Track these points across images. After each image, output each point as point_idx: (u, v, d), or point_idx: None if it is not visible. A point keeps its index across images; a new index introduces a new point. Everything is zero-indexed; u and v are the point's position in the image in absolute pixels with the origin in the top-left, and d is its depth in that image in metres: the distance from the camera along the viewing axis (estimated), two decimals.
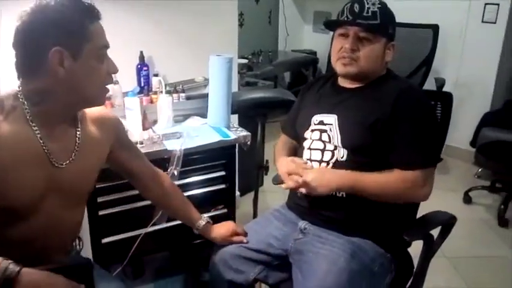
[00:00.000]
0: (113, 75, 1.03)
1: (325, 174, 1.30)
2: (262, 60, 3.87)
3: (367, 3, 1.29)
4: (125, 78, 1.92)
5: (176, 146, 1.56)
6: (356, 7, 1.29)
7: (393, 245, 1.31)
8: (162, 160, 1.55)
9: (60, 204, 1.02)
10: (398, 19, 1.37)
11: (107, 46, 0.99)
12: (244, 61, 3.36)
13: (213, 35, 2.27)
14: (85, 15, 0.92)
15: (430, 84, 3.11)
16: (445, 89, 2.95)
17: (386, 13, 1.31)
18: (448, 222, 1.37)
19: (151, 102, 1.87)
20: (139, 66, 1.98)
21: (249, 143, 1.71)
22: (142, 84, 1.98)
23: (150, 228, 1.60)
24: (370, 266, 1.26)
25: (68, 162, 1.01)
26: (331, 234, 1.32)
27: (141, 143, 1.56)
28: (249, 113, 1.95)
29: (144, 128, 1.68)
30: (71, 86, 0.95)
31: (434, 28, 3.22)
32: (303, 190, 1.28)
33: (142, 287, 1.91)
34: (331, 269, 1.22)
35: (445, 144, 1.51)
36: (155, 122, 1.74)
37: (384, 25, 1.30)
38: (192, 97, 1.92)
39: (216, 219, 1.49)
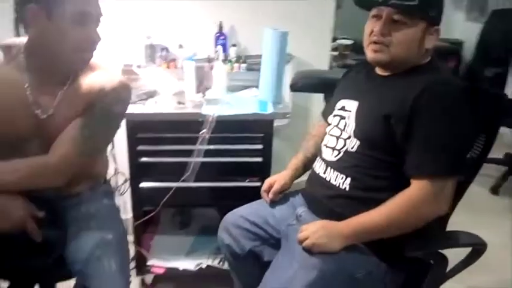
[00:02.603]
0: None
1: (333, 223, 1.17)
2: None
3: None
4: (204, 45, 2.06)
5: (211, 112, 1.63)
6: None
7: (392, 255, 1.15)
8: (194, 123, 1.63)
9: (42, 150, 1.15)
10: None
11: (86, 12, 1.06)
12: (348, 42, 3.19)
13: (305, 13, 2.21)
14: None
15: None
16: None
17: None
18: (475, 246, 1.15)
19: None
20: (217, 35, 2.08)
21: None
22: (220, 52, 2.07)
23: (193, 184, 1.71)
24: (351, 270, 1.15)
25: (48, 114, 1.15)
26: None
27: (182, 103, 1.67)
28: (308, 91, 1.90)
29: (197, 91, 1.79)
30: (47, 43, 1.07)
31: None
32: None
33: (184, 237, 2.06)
34: (304, 263, 1.15)
35: None
36: (209, 87, 1.83)
37: (423, 6, 1.12)
38: (254, 69, 1.94)
39: (249, 191, 1.53)
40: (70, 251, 1.21)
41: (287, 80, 1.92)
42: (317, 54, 2.34)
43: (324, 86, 1.85)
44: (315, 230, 1.15)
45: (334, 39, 3.29)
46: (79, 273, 1.19)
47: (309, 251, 1.14)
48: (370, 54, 1.21)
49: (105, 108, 1.20)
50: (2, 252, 1.09)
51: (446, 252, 1.15)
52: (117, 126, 1.30)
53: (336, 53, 3.07)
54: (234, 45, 2.09)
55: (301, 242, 1.16)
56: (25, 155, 1.15)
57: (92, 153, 1.23)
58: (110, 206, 1.41)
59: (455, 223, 1.27)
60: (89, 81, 1.20)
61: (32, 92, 1.14)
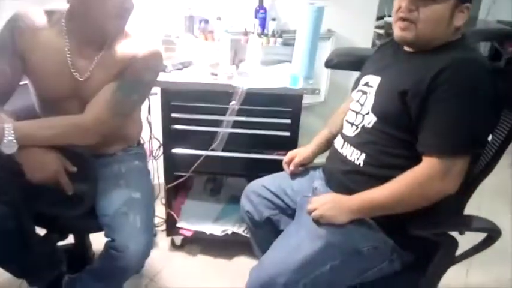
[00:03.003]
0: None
1: (341, 197, 1.20)
2: None
3: None
4: (243, 18, 2.09)
5: (241, 84, 1.67)
6: None
7: (400, 233, 1.16)
8: (226, 94, 1.68)
9: (78, 110, 1.26)
10: None
11: None
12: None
13: None
14: None
15: None
16: None
17: None
18: (489, 232, 1.13)
19: None
20: (257, 8, 2.09)
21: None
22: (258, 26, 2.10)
23: (222, 153, 1.79)
24: (357, 243, 1.17)
25: (86, 76, 1.25)
26: None
27: (215, 74, 1.72)
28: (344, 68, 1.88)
29: (232, 63, 1.84)
30: (85, 10, 1.16)
31: None
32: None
33: (214, 204, 2.15)
34: (311, 233, 1.19)
35: None
36: (243, 60, 1.87)
37: None
38: (290, 44, 1.94)
39: (276, 163, 1.58)
40: (100, 205, 1.31)
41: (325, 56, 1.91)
42: (360, 32, 2.30)
43: (361, 64, 1.82)
44: (324, 202, 1.18)
45: (382, 17, 3.19)
46: (107, 226, 1.29)
47: (317, 221, 1.17)
48: (396, 32, 1.19)
49: (136, 74, 1.28)
50: (37, 201, 1.21)
51: (463, 238, 1.14)
52: (148, 91, 1.38)
53: (381, 31, 2.97)
54: (273, 19, 2.09)
55: (310, 212, 1.19)
56: (63, 114, 1.26)
57: (123, 115, 1.32)
58: (141, 167, 1.50)
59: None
60: (123, 48, 1.28)
61: (71, 56, 1.23)
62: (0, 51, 1.23)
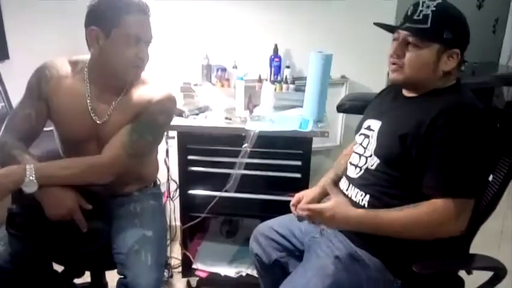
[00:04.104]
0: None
1: (344, 207, 1.20)
2: (462, 71, 3.45)
3: (422, 6, 1.17)
4: (258, 66, 2.20)
5: (253, 127, 1.75)
6: (410, 10, 1.20)
7: (407, 273, 1.16)
8: (239, 137, 1.76)
9: (98, 151, 1.35)
10: None
11: (138, 36, 1.25)
12: None
13: (362, 38, 2.26)
14: (122, 8, 1.22)
15: None
16: None
17: (441, 16, 1.15)
18: (495, 271, 1.13)
19: None
20: (272, 57, 2.20)
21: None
22: (272, 73, 2.20)
23: (236, 195, 1.85)
24: (364, 284, 1.18)
25: (104, 120, 1.35)
26: (342, 241, 1.29)
27: (229, 118, 1.81)
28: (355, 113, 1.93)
29: (246, 108, 1.93)
30: (105, 60, 1.28)
31: None
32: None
33: (229, 246, 2.18)
34: (317, 274, 1.20)
35: None
36: (257, 105, 1.96)
37: (435, 29, 1.14)
38: (302, 90, 2.02)
39: (288, 205, 1.62)
40: (115, 243, 1.36)
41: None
42: (373, 77, 2.37)
43: None
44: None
45: None
46: (120, 263, 1.33)
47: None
48: (390, 74, 1.27)
49: (150, 117, 1.37)
50: (54, 237, 1.29)
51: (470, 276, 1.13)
52: (162, 133, 1.46)
53: None
54: (287, 66, 2.20)
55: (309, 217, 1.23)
56: (83, 155, 1.35)
57: (139, 156, 1.39)
58: (155, 207, 1.56)
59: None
60: (140, 93, 1.38)
61: (91, 101, 1.35)
62: (27, 97, 1.36)
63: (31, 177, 1.18)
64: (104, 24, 1.24)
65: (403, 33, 1.19)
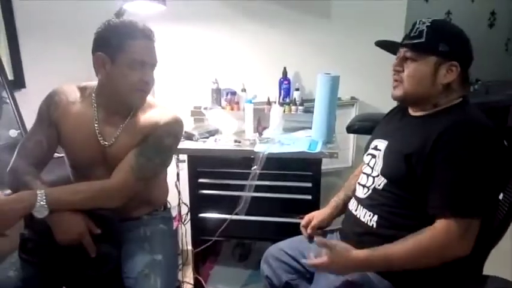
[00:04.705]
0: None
1: (342, 258, 1.17)
2: (476, 90, 3.45)
3: (418, 23, 1.21)
4: (268, 88, 2.23)
5: (262, 149, 1.75)
6: (409, 29, 1.23)
7: None
8: (249, 159, 1.77)
9: (106, 174, 1.36)
10: None
11: (143, 61, 1.29)
12: None
13: (370, 60, 2.27)
14: (128, 33, 1.27)
15: None
16: None
17: (436, 30, 1.18)
18: None
19: None
20: (281, 80, 2.23)
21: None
22: (282, 96, 2.22)
23: (246, 217, 1.84)
24: None
25: (111, 142, 1.37)
26: None
27: (238, 141, 1.83)
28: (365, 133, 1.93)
29: (255, 130, 1.95)
30: (111, 84, 1.31)
31: None
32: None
33: (241, 270, 2.16)
34: None
35: None
36: (266, 127, 1.97)
37: (431, 42, 1.17)
38: (311, 112, 2.03)
39: (298, 227, 1.61)
40: (125, 267, 1.37)
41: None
42: (382, 98, 2.35)
43: None
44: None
45: None
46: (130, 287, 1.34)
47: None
48: (391, 90, 1.28)
49: (157, 140, 1.39)
50: (65, 263, 1.30)
51: None
52: (169, 156, 1.48)
53: None
54: (297, 89, 2.22)
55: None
56: (93, 179, 1.37)
57: (147, 179, 1.40)
58: (165, 231, 1.56)
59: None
60: (147, 116, 1.41)
61: (99, 124, 1.38)
62: (38, 123, 1.40)
63: (42, 202, 1.20)
64: (110, 49, 1.27)
65: (402, 50, 1.23)
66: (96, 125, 1.37)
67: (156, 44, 1.34)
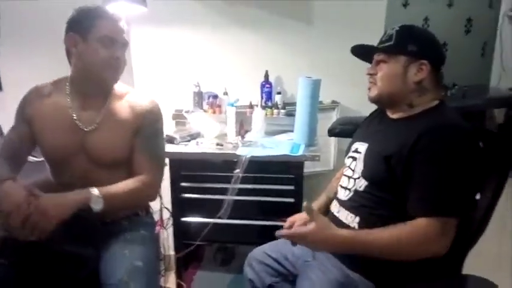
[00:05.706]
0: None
1: (324, 231, 1.16)
2: (453, 94, 3.52)
3: (389, 30, 1.28)
4: (250, 92, 2.23)
5: (245, 152, 1.75)
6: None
7: None
8: (231, 163, 1.76)
9: (87, 163, 1.36)
10: None
11: (112, 37, 1.31)
12: None
13: (352, 63, 2.28)
14: (98, 14, 1.32)
15: None
16: None
17: (404, 32, 1.25)
18: None
19: None
20: (263, 83, 2.23)
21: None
22: (264, 99, 2.22)
23: (229, 221, 1.84)
24: None
25: (92, 127, 1.36)
26: (335, 265, 1.28)
27: (221, 144, 1.82)
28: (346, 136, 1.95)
29: (237, 134, 1.94)
30: (83, 64, 1.33)
31: None
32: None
33: (224, 274, 2.14)
34: None
35: None
36: (249, 131, 1.97)
37: (399, 43, 1.23)
38: (293, 115, 2.04)
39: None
40: (105, 273, 1.34)
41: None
42: (363, 102, 2.38)
43: None
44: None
45: None
46: None
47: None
48: (367, 93, 1.33)
49: (151, 128, 1.44)
50: (40, 264, 1.26)
51: None
52: (164, 138, 1.54)
53: None
54: (279, 92, 2.23)
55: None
56: (74, 173, 1.37)
57: (164, 165, 1.52)
58: (146, 236, 1.53)
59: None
60: (124, 102, 1.42)
61: (75, 111, 1.38)
62: (15, 123, 1.42)
63: (96, 193, 1.26)
64: (81, 29, 1.31)
65: (375, 55, 1.29)
66: (72, 112, 1.37)
67: (126, 29, 1.37)
